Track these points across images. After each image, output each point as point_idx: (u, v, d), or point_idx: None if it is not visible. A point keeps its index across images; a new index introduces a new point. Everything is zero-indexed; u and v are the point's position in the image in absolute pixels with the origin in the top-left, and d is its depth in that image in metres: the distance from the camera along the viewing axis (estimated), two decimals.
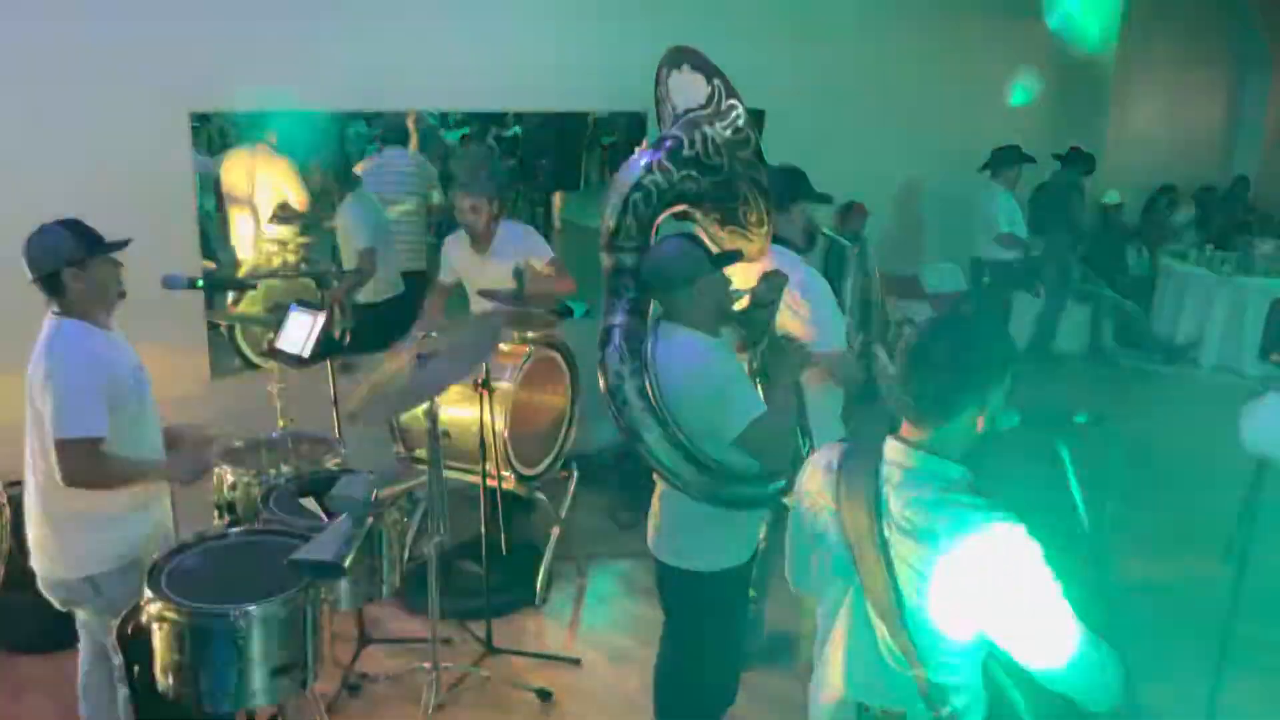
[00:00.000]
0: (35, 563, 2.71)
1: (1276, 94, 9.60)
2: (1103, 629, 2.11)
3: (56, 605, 2.73)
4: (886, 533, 1.71)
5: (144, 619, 2.30)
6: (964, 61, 7.15)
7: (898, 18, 6.58)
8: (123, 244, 2.64)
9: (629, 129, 5.63)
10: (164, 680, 2.31)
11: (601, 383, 2.62)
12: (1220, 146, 9.62)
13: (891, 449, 1.79)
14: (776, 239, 3.17)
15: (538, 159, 5.47)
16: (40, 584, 2.72)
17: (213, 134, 4.52)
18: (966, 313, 1.90)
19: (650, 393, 2.54)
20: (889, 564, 1.70)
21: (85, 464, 2.50)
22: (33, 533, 2.70)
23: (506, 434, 3.87)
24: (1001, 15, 7.33)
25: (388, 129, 5.11)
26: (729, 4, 5.45)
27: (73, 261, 2.54)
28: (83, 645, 2.80)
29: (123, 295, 2.68)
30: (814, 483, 1.89)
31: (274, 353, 3.50)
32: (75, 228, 2.58)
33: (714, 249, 2.68)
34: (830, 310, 3.15)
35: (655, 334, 2.60)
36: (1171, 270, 8.06)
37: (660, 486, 2.70)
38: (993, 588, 1.63)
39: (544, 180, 5.54)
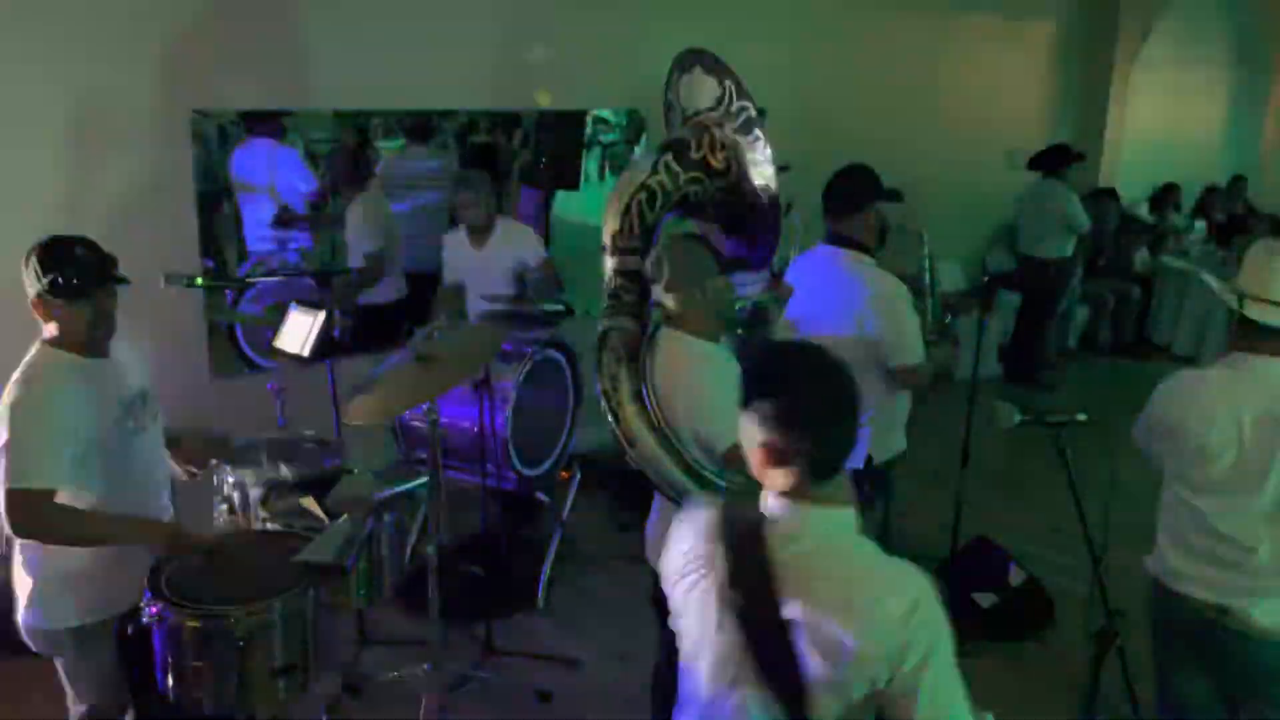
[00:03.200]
0: (16, 587, 2.52)
1: (1277, 94, 9.59)
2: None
3: (34, 649, 2.56)
4: (783, 605, 1.48)
5: (144, 620, 2.29)
6: (965, 61, 7.15)
7: (899, 16, 6.57)
8: (84, 288, 2.36)
9: (629, 129, 5.63)
10: (164, 682, 2.30)
11: (598, 386, 2.58)
12: (1220, 146, 9.62)
13: (781, 506, 1.55)
14: (851, 243, 3.15)
15: (538, 159, 5.47)
16: (19, 625, 2.55)
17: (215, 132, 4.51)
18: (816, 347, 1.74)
19: (647, 399, 2.48)
20: (784, 641, 1.47)
21: (31, 517, 2.28)
22: (16, 574, 2.51)
23: (508, 434, 3.87)
24: (1004, 14, 7.33)
25: (411, 126, 5.11)
26: (731, 3, 5.45)
27: (40, 294, 2.35)
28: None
29: (96, 340, 2.44)
30: (681, 557, 1.63)
31: (274, 352, 3.50)
32: (45, 257, 2.34)
33: (719, 250, 2.60)
34: (905, 322, 3.09)
35: (654, 339, 2.54)
36: (1171, 270, 8.06)
37: (661, 496, 2.62)
38: (906, 650, 1.46)
39: (544, 180, 5.54)
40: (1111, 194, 7.76)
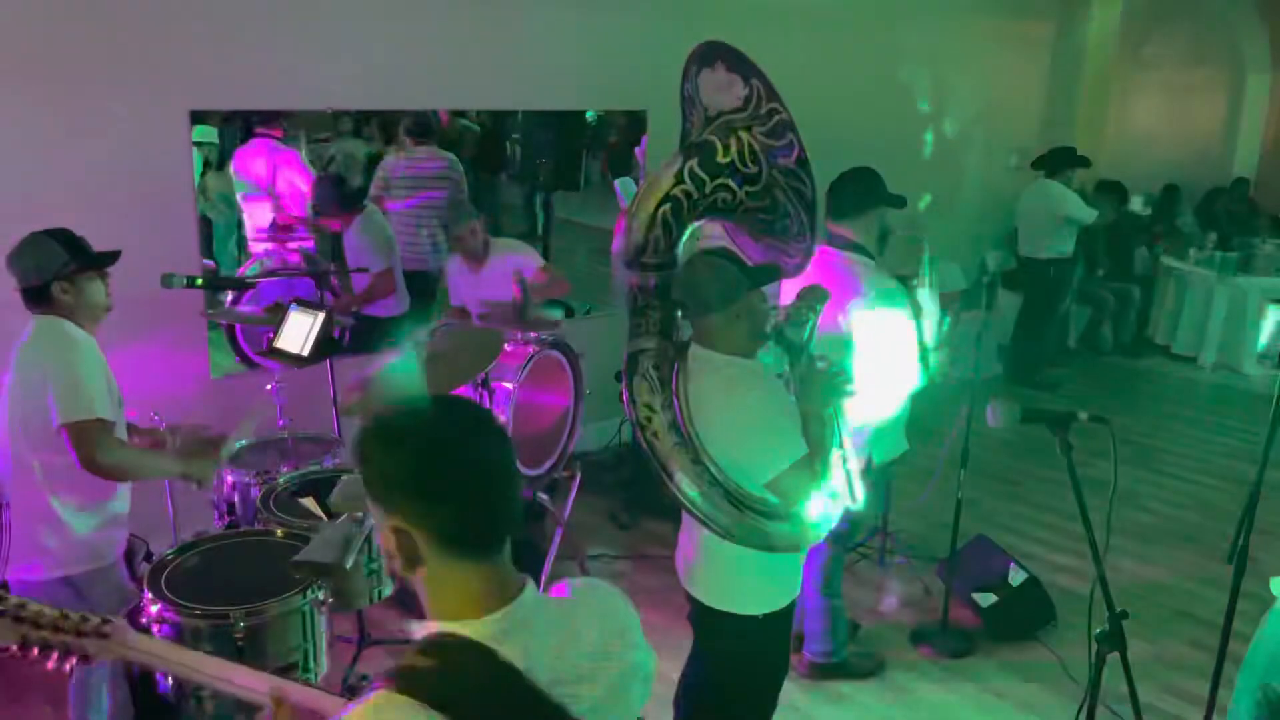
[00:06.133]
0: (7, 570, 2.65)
1: (1276, 94, 9.59)
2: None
3: None
4: None
5: (144, 620, 2.29)
6: (966, 61, 7.15)
7: (900, 17, 6.58)
8: (112, 257, 2.62)
9: (629, 129, 5.63)
10: (165, 682, 2.30)
11: (630, 414, 2.43)
12: (1220, 147, 9.62)
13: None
14: (852, 246, 3.13)
15: (538, 159, 5.48)
16: (16, 590, 2.62)
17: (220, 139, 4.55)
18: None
19: (683, 426, 2.34)
20: None
21: (100, 445, 2.46)
22: (4, 538, 2.64)
23: (509, 434, 3.87)
24: (1004, 14, 7.33)
25: (417, 125, 5.12)
26: (731, 3, 5.45)
27: (60, 276, 2.51)
28: None
29: (108, 309, 2.65)
30: None
31: (274, 352, 3.50)
32: (65, 239, 2.53)
33: (747, 261, 2.46)
34: (902, 326, 3.09)
35: (686, 360, 2.41)
36: (1171, 270, 8.06)
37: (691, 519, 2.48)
38: None
39: (544, 180, 5.55)
40: (1116, 188, 7.72)
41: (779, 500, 2.32)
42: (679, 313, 2.45)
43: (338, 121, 4.93)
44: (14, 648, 1.45)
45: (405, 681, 1.16)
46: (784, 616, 2.52)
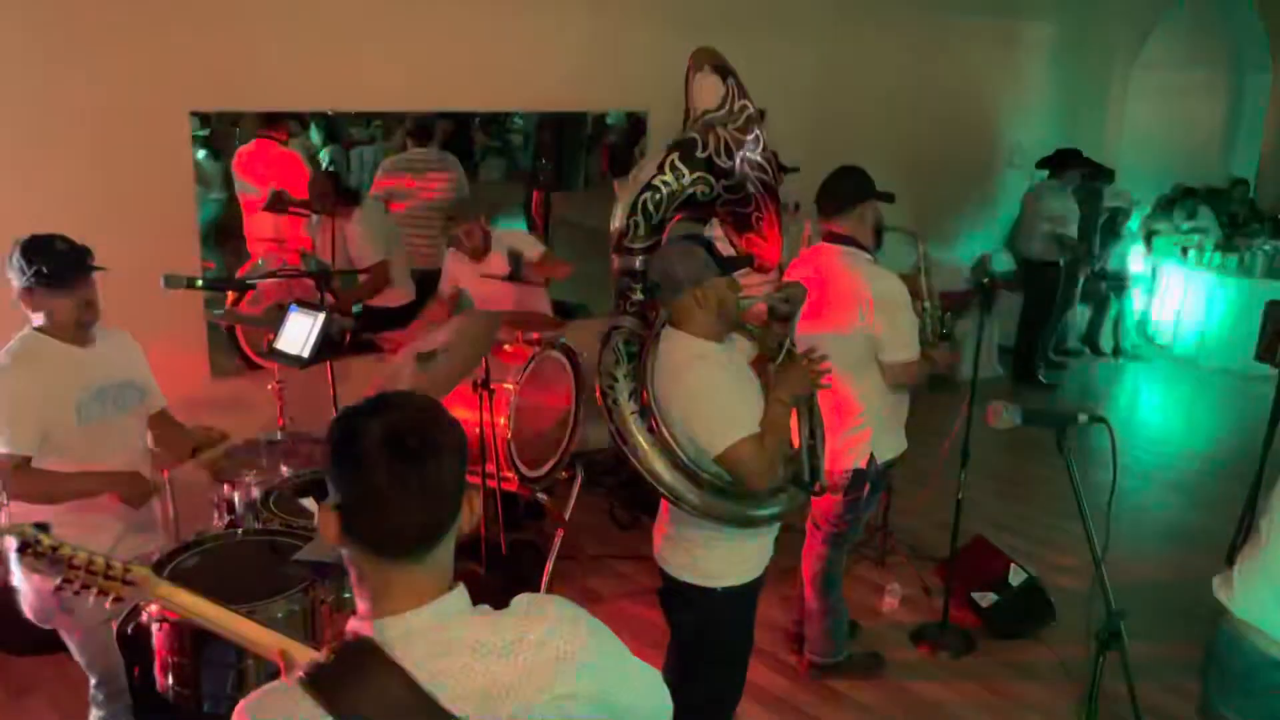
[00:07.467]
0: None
1: (1277, 94, 9.58)
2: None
3: (34, 620, 2.63)
4: None
5: (144, 619, 2.29)
6: (966, 62, 7.15)
7: (900, 18, 6.57)
8: (71, 275, 2.49)
9: (629, 129, 5.63)
10: (164, 681, 2.30)
11: (596, 382, 2.61)
12: (1220, 147, 9.61)
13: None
14: (848, 240, 3.19)
15: (538, 159, 5.49)
16: (18, 595, 2.64)
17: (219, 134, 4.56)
18: None
19: (646, 399, 2.48)
20: None
21: (10, 481, 2.48)
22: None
23: (510, 435, 3.87)
24: (1004, 15, 7.33)
25: (415, 125, 5.14)
26: (733, 5, 5.45)
27: (22, 290, 2.48)
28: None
29: (84, 325, 2.56)
30: None
31: (274, 353, 3.50)
32: (28, 251, 2.47)
33: (732, 253, 2.61)
34: (904, 319, 3.13)
35: (657, 338, 2.52)
36: (1171, 270, 8.05)
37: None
38: None
39: (544, 180, 5.56)
40: (1102, 173, 7.66)
41: (730, 476, 2.42)
42: (655, 295, 2.58)
43: (288, 123, 4.95)
44: (60, 581, 1.68)
45: (307, 673, 1.19)
46: (745, 593, 2.59)
